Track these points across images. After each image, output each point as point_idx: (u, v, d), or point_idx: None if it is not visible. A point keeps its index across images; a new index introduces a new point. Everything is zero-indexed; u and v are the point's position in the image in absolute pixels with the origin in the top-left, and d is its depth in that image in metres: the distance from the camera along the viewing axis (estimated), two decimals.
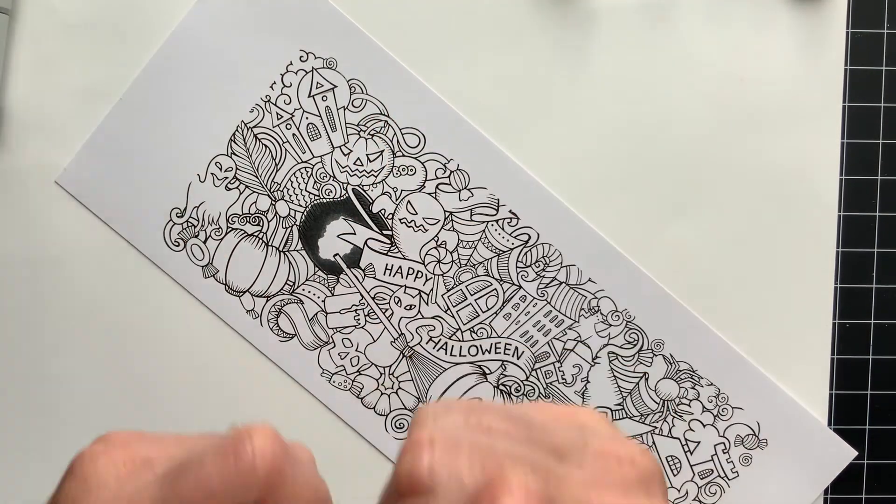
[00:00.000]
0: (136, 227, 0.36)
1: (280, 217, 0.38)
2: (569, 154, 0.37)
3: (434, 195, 0.38)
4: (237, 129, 0.38)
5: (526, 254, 0.38)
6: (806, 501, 0.39)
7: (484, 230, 0.38)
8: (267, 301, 0.38)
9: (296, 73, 0.38)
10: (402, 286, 0.38)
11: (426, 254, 0.38)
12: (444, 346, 0.39)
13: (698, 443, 0.39)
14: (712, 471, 0.40)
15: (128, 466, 0.21)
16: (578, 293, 0.39)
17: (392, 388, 0.39)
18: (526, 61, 0.38)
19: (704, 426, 0.39)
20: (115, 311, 0.38)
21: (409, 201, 0.38)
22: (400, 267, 0.38)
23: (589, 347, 0.39)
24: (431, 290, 0.38)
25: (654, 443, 0.39)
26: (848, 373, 0.39)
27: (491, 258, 0.39)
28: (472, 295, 0.39)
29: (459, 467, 0.20)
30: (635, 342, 0.39)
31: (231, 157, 0.38)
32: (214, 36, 0.37)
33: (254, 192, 0.38)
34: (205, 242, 0.38)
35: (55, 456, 0.38)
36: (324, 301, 0.38)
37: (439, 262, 0.38)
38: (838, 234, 0.39)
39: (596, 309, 0.39)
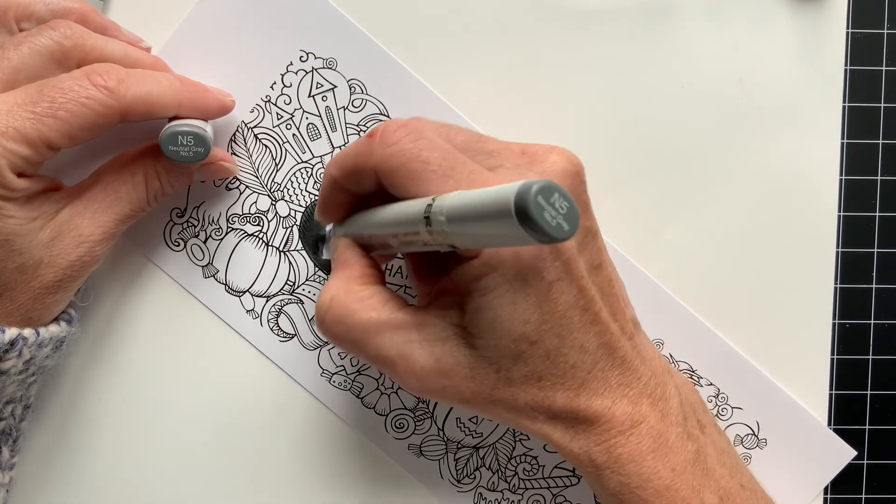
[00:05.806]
0: (137, 226, 0.36)
1: (280, 217, 0.38)
2: None
3: None
4: (237, 130, 0.38)
5: None
6: (805, 501, 0.39)
7: None
8: (267, 301, 0.38)
9: (296, 73, 0.38)
10: (402, 286, 0.38)
11: None
12: None
13: None
14: None
15: None
16: None
17: (392, 388, 0.39)
18: (526, 61, 0.38)
19: None
20: (114, 311, 0.38)
21: None
22: (400, 267, 0.38)
23: None
24: None
25: None
26: (848, 373, 0.39)
27: None
28: None
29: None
30: None
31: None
32: (215, 36, 0.37)
33: (254, 192, 0.38)
34: (205, 242, 0.38)
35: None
36: None
37: None
38: (838, 234, 0.39)
39: None
